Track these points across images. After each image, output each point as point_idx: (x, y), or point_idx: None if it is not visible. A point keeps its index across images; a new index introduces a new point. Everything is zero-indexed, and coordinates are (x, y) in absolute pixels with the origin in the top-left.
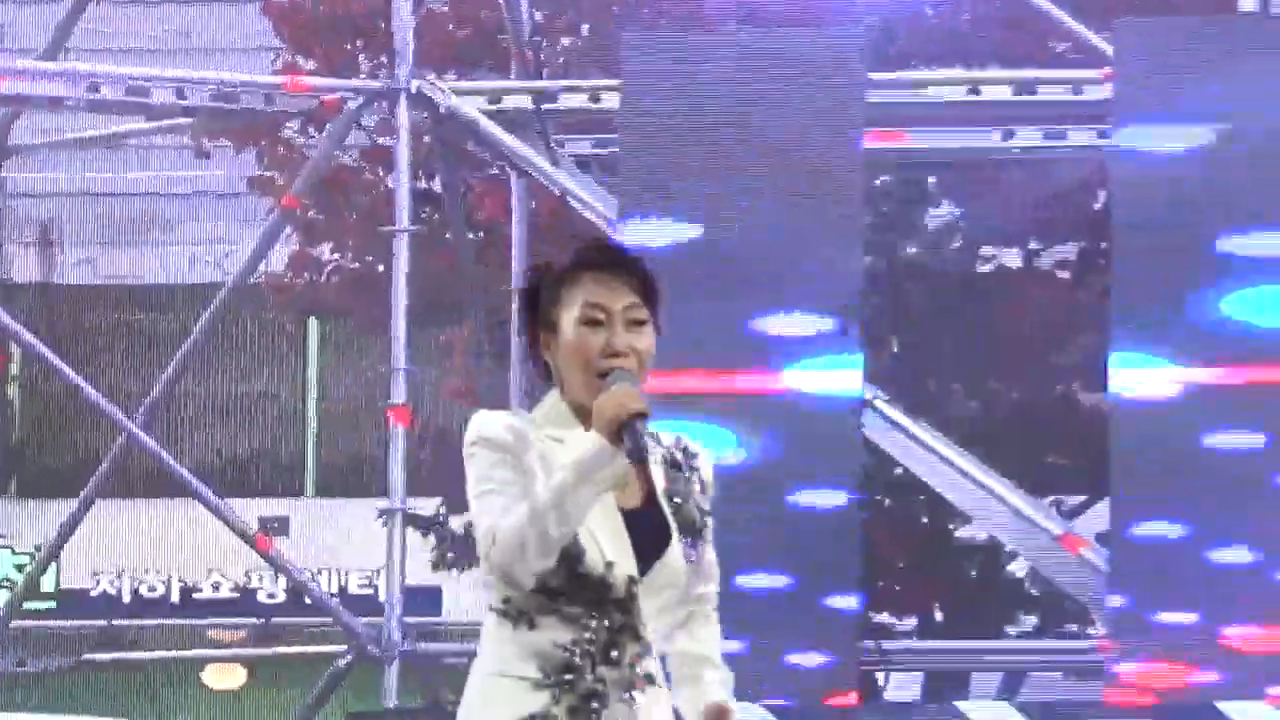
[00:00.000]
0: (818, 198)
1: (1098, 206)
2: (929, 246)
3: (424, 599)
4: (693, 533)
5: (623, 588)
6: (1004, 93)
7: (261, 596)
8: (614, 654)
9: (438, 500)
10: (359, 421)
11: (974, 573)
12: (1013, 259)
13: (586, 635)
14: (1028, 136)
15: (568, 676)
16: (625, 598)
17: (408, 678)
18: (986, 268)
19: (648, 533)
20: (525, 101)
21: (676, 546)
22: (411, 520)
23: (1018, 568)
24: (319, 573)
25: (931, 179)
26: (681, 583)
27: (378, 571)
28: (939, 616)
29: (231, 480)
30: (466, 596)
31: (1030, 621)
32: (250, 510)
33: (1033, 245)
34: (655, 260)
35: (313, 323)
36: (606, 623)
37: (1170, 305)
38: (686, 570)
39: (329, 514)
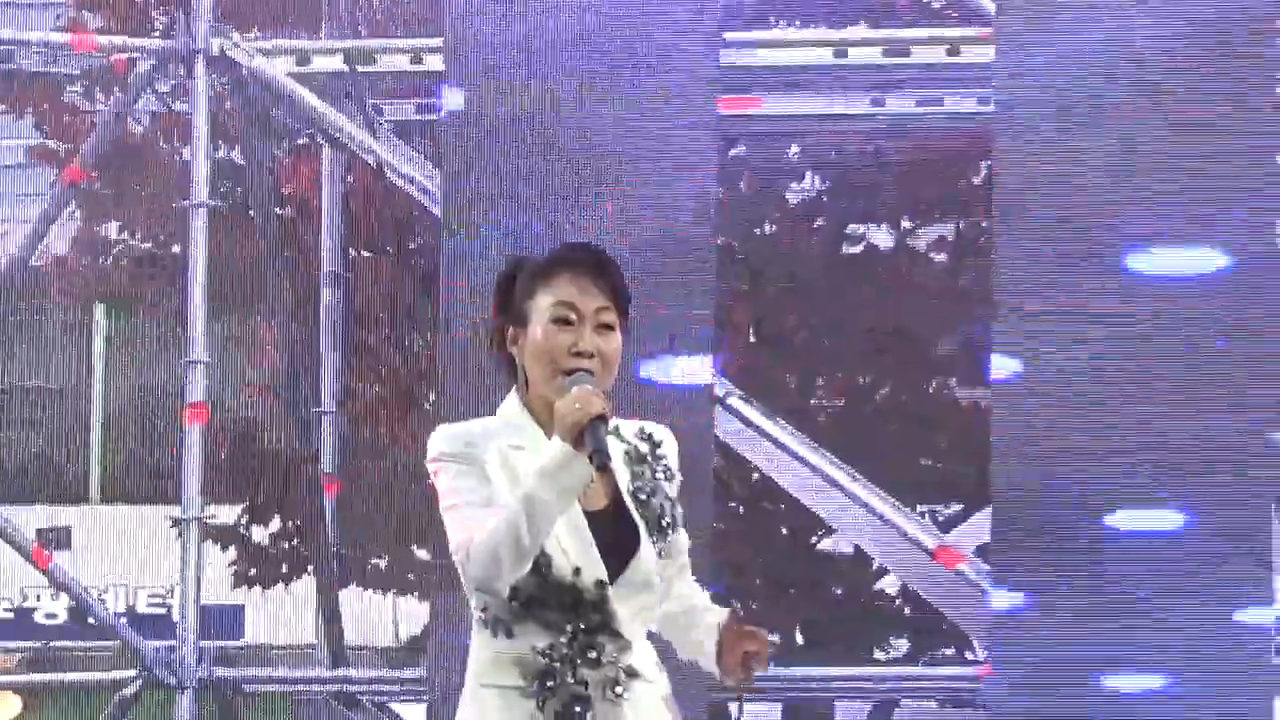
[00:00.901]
0: (665, 169)
1: (978, 180)
2: (789, 225)
3: (223, 619)
4: (660, 529)
5: (593, 591)
6: (873, 55)
7: (39, 617)
8: (592, 654)
9: (239, 509)
10: (150, 421)
11: (839, 590)
12: (883, 238)
13: (563, 639)
14: (899, 103)
15: (549, 682)
16: (597, 600)
17: (204, 707)
18: (854, 249)
19: (616, 534)
20: (338, 63)
21: (646, 545)
22: (209, 531)
23: (888, 584)
24: (105, 590)
25: (793, 149)
26: (655, 579)
27: (171, 589)
28: (799, 639)
29: (5, 487)
30: (270, 616)
31: (902, 645)
32: (27, 520)
33: (905, 224)
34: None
35: (99, 310)
36: (582, 625)
37: (1058, 289)
38: (659, 565)
39: (116, 524)
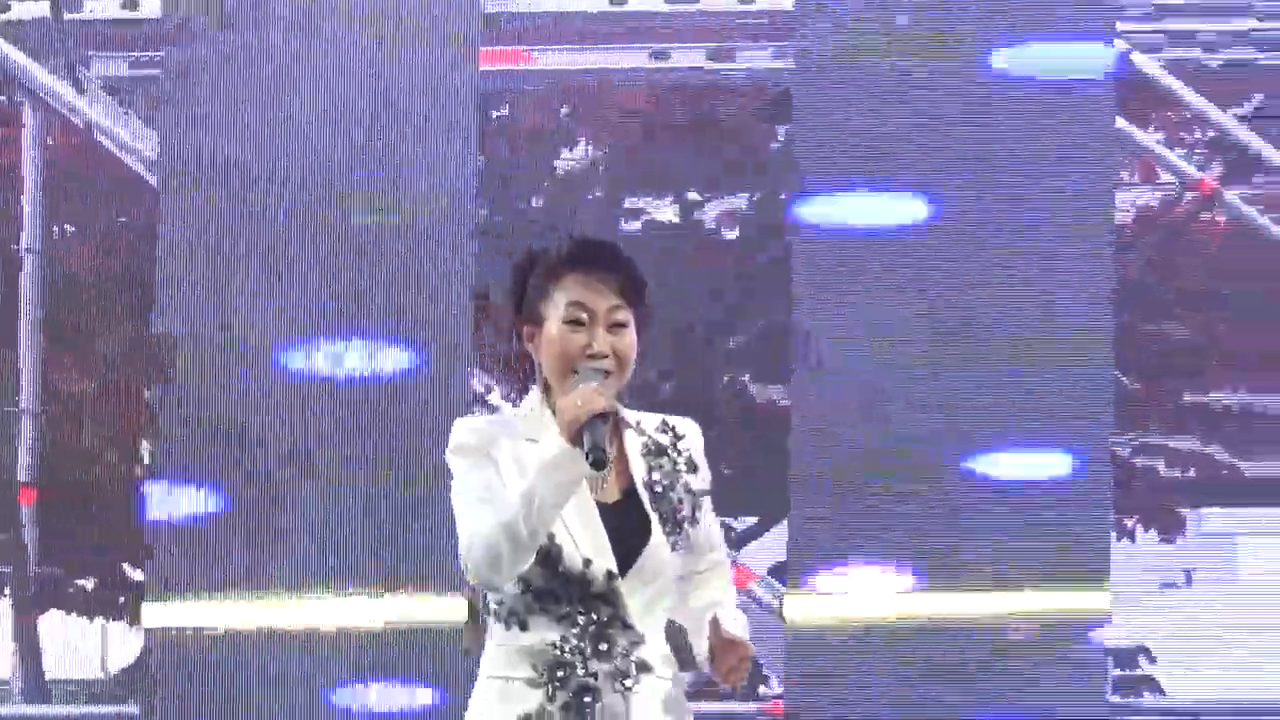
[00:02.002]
0: (419, 132)
1: (775, 146)
2: (559, 197)
3: None
4: (675, 521)
5: (603, 583)
6: (656, 2)
7: None
8: (604, 647)
9: None
10: None
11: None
12: (666, 213)
13: (574, 631)
14: (686, 57)
15: (560, 673)
16: (607, 592)
17: None
18: (633, 224)
19: (627, 526)
20: (41, 9)
21: (658, 538)
22: None
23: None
24: None
25: (563, 111)
26: (669, 573)
27: None
28: None
29: None
30: None
31: (683, 677)
32: None
33: (692, 196)
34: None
35: None
36: (594, 617)
37: (865, 274)
38: (674, 559)
39: None
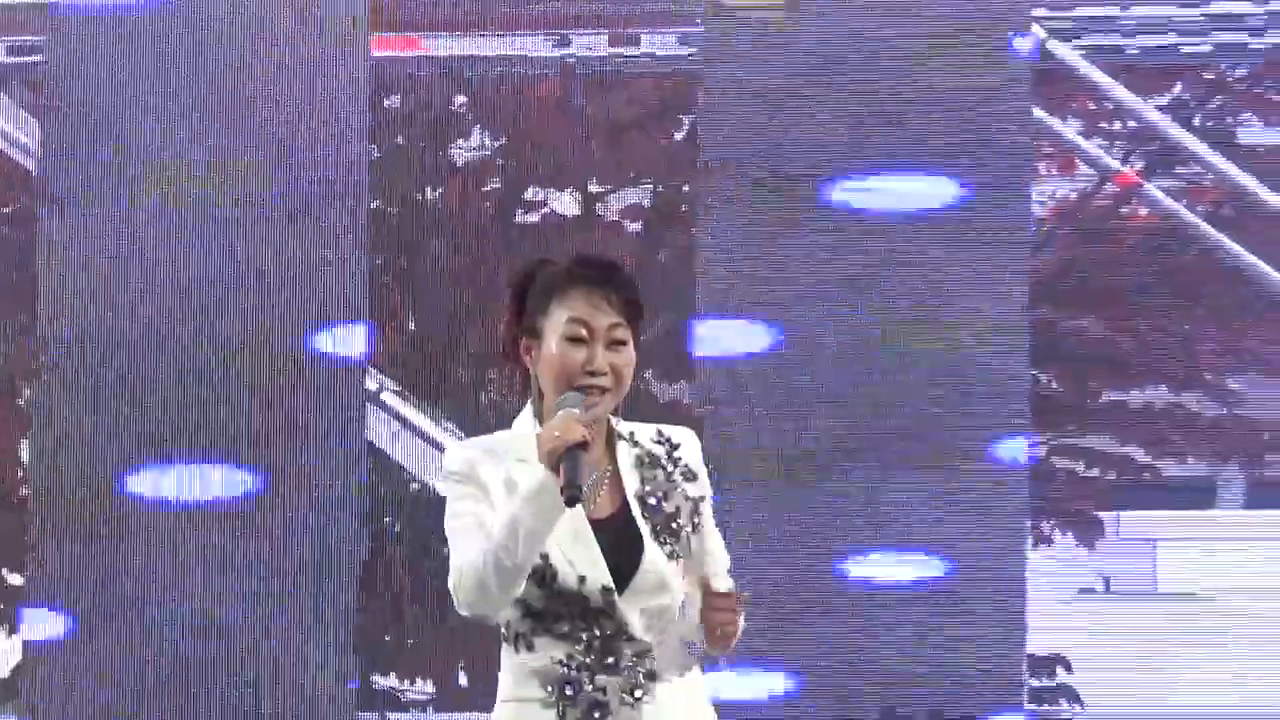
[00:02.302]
0: (307, 121)
1: (679, 136)
2: (456, 189)
3: None
4: (671, 532)
5: (600, 599)
6: None
7: None
8: (610, 661)
9: None
10: None
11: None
12: (567, 205)
13: (579, 648)
14: (588, 43)
15: (569, 691)
16: (606, 607)
17: None
18: (532, 217)
19: (622, 540)
20: None
21: (652, 551)
22: None
23: None
24: None
25: (459, 99)
26: (670, 584)
27: None
28: (463, 680)
29: None
30: None
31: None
32: None
33: (593, 187)
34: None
35: None
36: (597, 632)
37: (772, 266)
38: (676, 567)
39: None
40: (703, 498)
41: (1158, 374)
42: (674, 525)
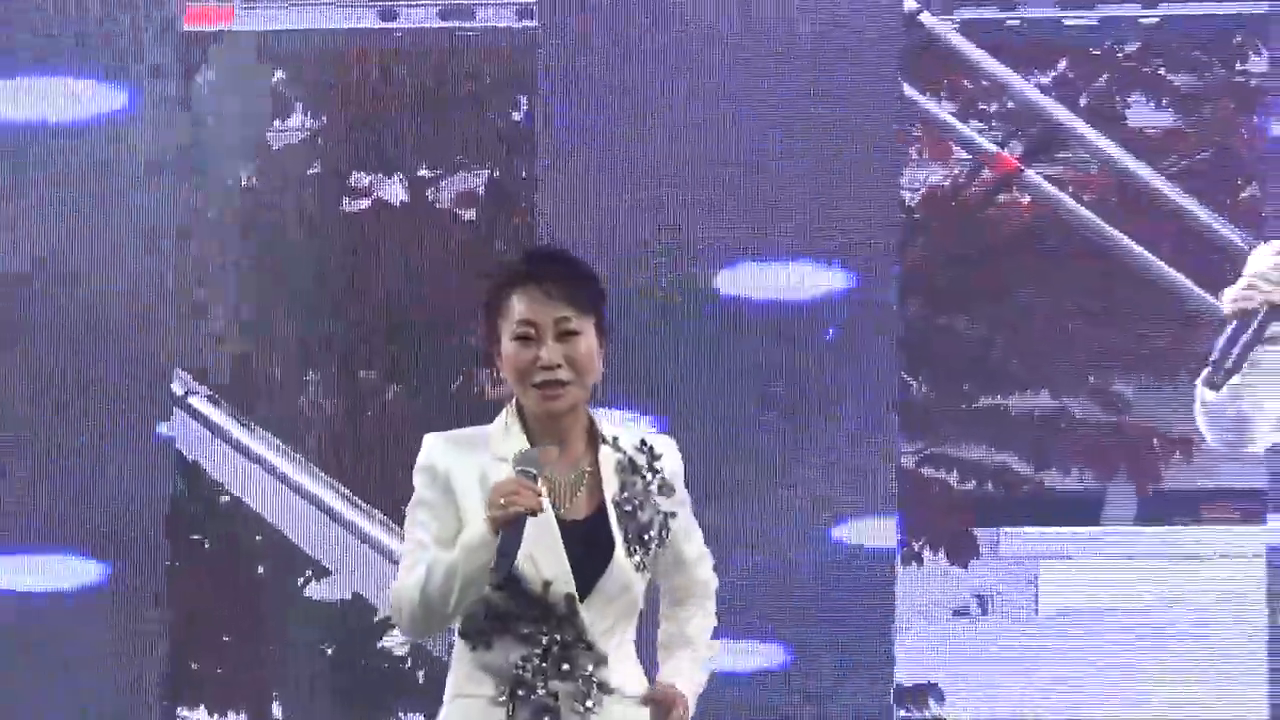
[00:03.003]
0: (113, 100)
1: (517, 117)
2: (273, 174)
3: None
4: (641, 543)
5: (563, 605)
6: None
7: None
8: (565, 667)
9: None
10: None
11: (331, 648)
12: (394, 192)
13: (537, 651)
14: (417, 16)
15: (520, 692)
16: (567, 613)
17: None
18: (358, 204)
19: (593, 544)
20: None
21: (620, 558)
22: None
23: (396, 642)
24: None
25: (276, 76)
26: (634, 592)
27: None
28: (278, 712)
29: None
30: None
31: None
32: None
33: (423, 172)
34: None
35: None
36: (557, 637)
37: (615, 261)
38: (639, 579)
39: None
40: (674, 514)
41: (1039, 377)
42: (645, 537)
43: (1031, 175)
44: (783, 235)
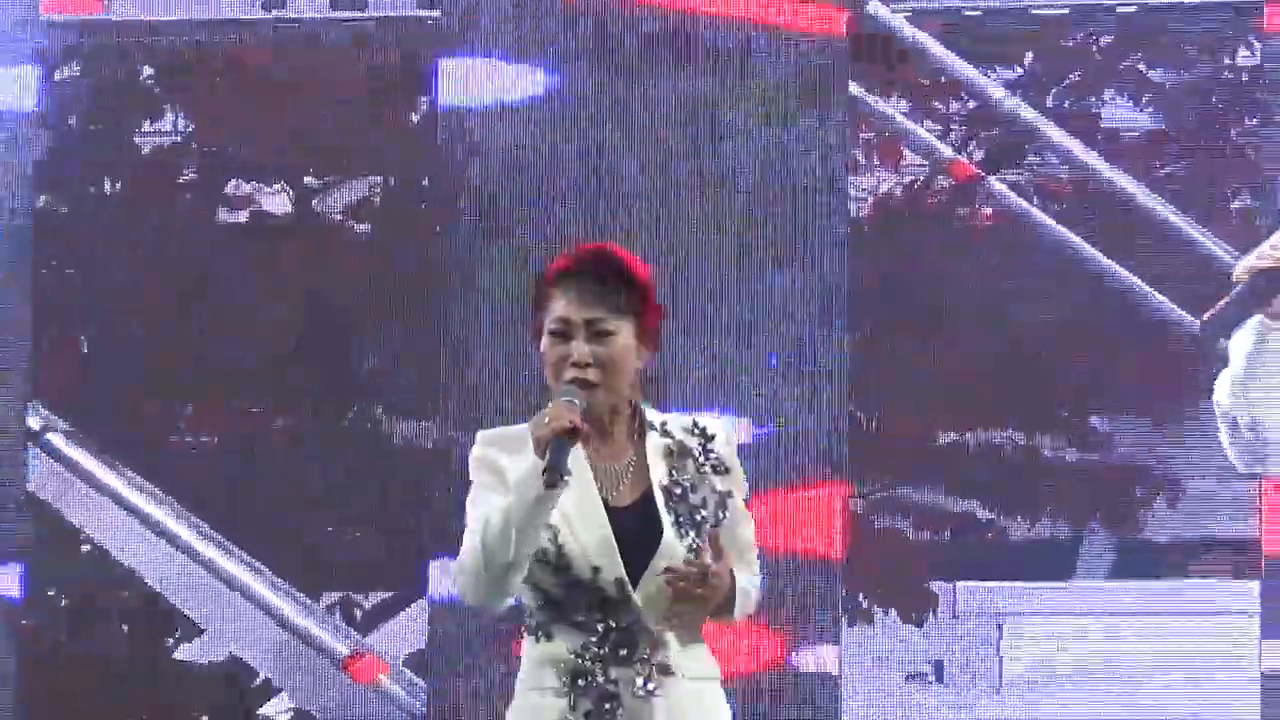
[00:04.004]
0: None
1: (416, 118)
2: (141, 181)
3: None
4: (694, 524)
5: (614, 590)
6: None
7: None
8: (623, 652)
9: None
10: None
11: (205, 716)
12: (278, 202)
13: (594, 639)
14: (304, 4)
15: (580, 682)
16: (620, 598)
17: None
18: (236, 216)
19: (641, 529)
20: None
21: (670, 542)
22: None
23: (277, 709)
24: None
25: (147, 71)
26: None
27: None
28: None
29: None
30: None
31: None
32: None
33: (310, 180)
34: None
35: None
36: (613, 623)
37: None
38: (691, 560)
39: None
40: (730, 492)
41: (1004, 410)
42: (697, 518)
43: (994, 184)
44: (714, 249)
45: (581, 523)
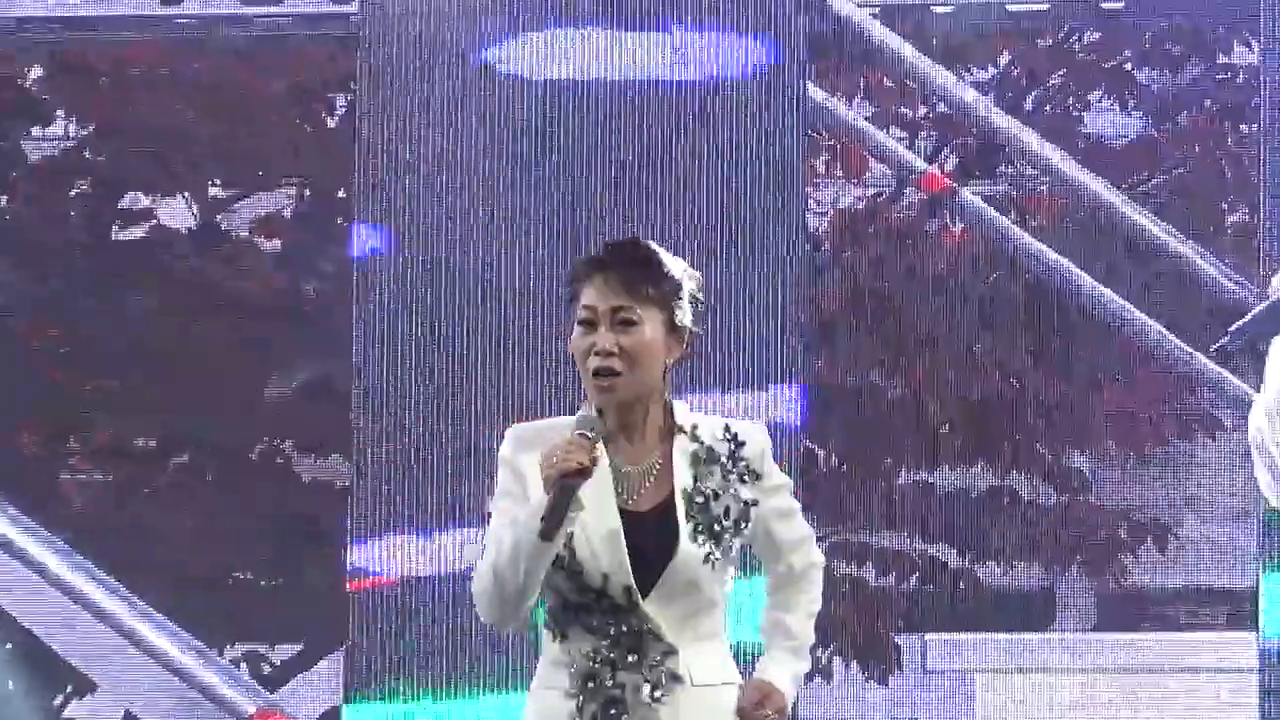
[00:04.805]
0: None
1: (332, 124)
2: (32, 191)
3: None
4: (712, 534)
5: (622, 598)
6: None
7: None
8: (633, 658)
9: None
10: None
11: None
12: (180, 215)
13: (605, 643)
14: (210, 1)
15: (589, 684)
16: (628, 606)
17: None
18: (133, 231)
19: (659, 537)
20: None
21: (687, 549)
22: None
23: None
24: None
25: (35, 74)
26: (702, 582)
27: None
28: None
29: None
30: None
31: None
32: None
33: (215, 192)
34: None
35: None
36: (625, 629)
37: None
38: (708, 569)
39: None
40: (755, 501)
41: (977, 447)
42: (716, 527)
43: (967, 196)
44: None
45: (595, 529)
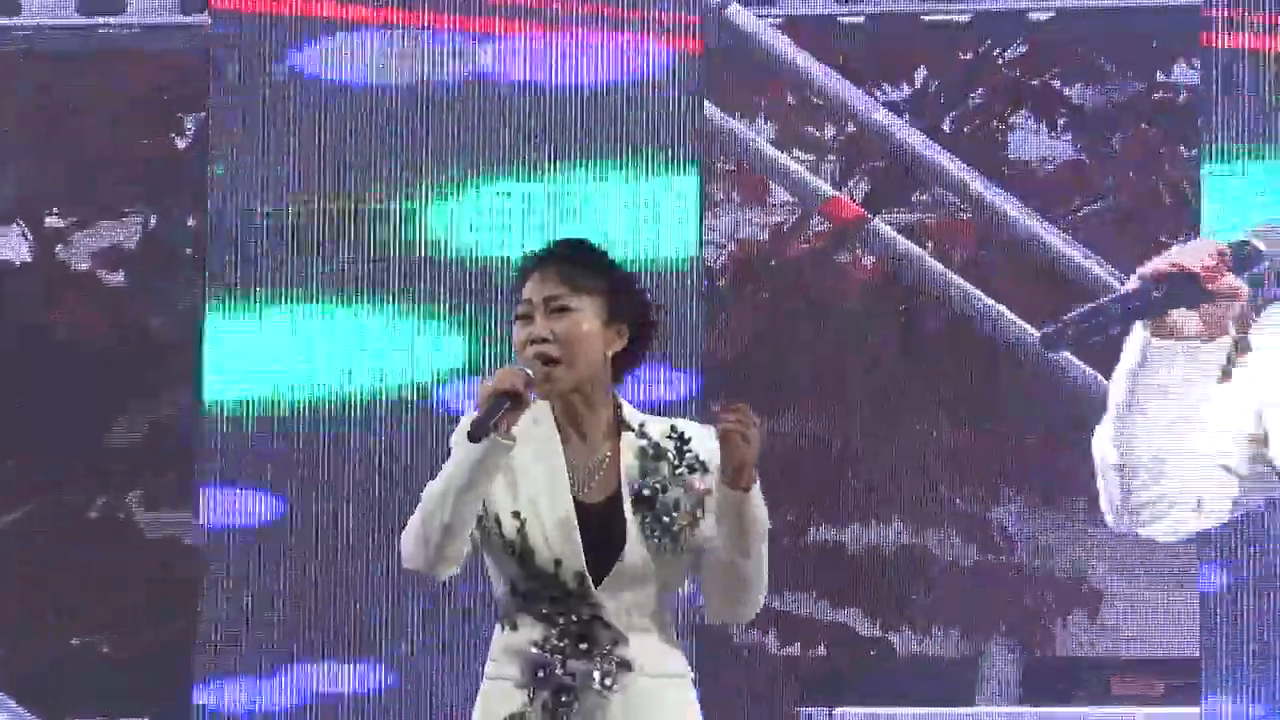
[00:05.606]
0: None
1: (183, 144)
2: None
3: None
4: (663, 526)
5: (574, 584)
6: None
7: None
8: (584, 646)
9: None
10: None
11: None
12: (14, 247)
13: (555, 631)
14: (47, 7)
15: (539, 673)
16: (581, 593)
17: None
18: None
19: (611, 528)
20: None
21: (635, 541)
22: None
23: None
24: None
25: None
26: (652, 575)
27: None
28: None
29: None
30: None
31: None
32: None
33: (53, 221)
34: None
35: None
36: (574, 617)
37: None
38: (657, 560)
39: None
40: (709, 490)
41: (888, 502)
42: (666, 519)
43: (879, 225)
44: None
45: (548, 513)
